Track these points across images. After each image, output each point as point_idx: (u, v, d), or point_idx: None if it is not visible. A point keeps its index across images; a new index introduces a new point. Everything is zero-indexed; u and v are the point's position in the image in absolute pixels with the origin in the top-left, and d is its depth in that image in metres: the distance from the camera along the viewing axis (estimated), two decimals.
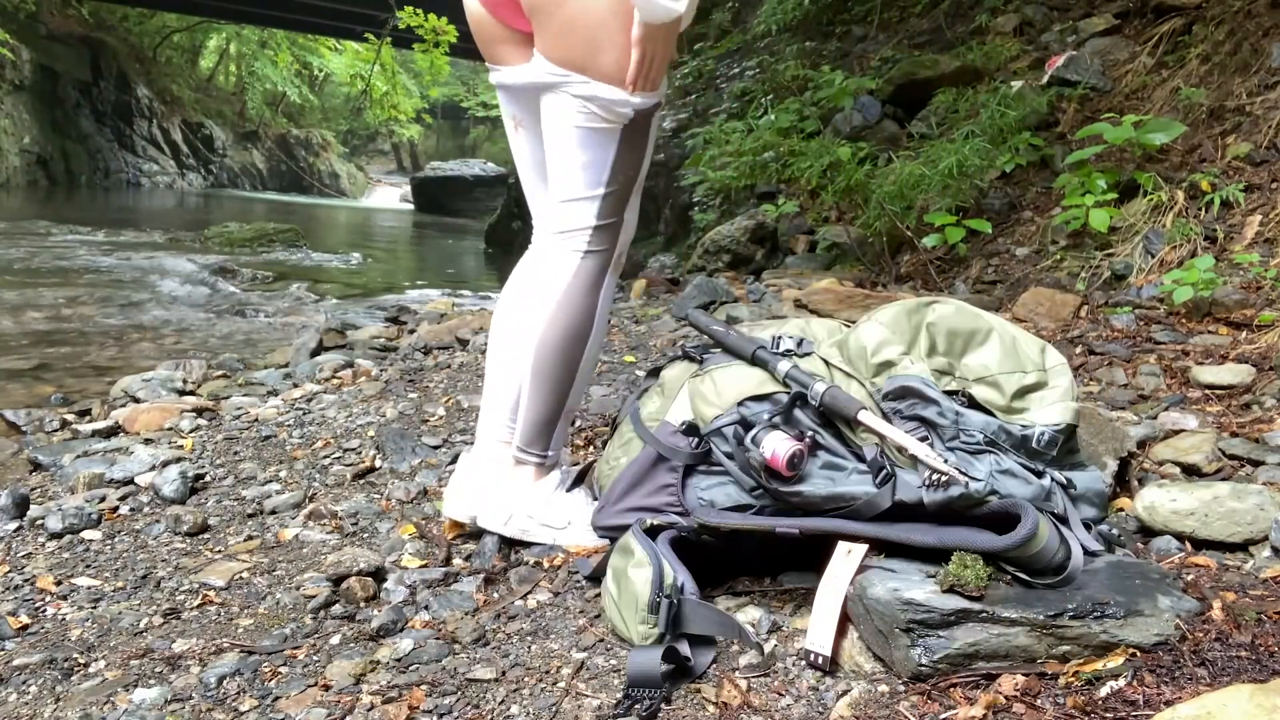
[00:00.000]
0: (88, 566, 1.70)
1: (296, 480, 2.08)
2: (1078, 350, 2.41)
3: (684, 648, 1.22)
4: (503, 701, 1.19)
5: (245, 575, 1.63)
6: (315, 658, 1.35)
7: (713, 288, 3.54)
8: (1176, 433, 1.81)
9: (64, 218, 10.66)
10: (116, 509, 1.95)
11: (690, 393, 1.48)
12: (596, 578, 1.47)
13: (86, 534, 1.82)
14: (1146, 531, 1.48)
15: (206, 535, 1.82)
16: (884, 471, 1.28)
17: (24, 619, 1.50)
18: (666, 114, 6.68)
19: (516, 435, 1.66)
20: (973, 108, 3.98)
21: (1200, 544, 1.43)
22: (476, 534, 1.69)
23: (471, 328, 3.44)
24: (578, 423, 2.23)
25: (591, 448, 2.08)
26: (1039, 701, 1.06)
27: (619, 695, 1.17)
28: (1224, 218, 2.85)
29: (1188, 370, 2.14)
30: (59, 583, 1.63)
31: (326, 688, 1.26)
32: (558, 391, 1.61)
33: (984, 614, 1.12)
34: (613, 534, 1.49)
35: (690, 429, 1.43)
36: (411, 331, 3.88)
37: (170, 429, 2.51)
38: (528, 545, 1.65)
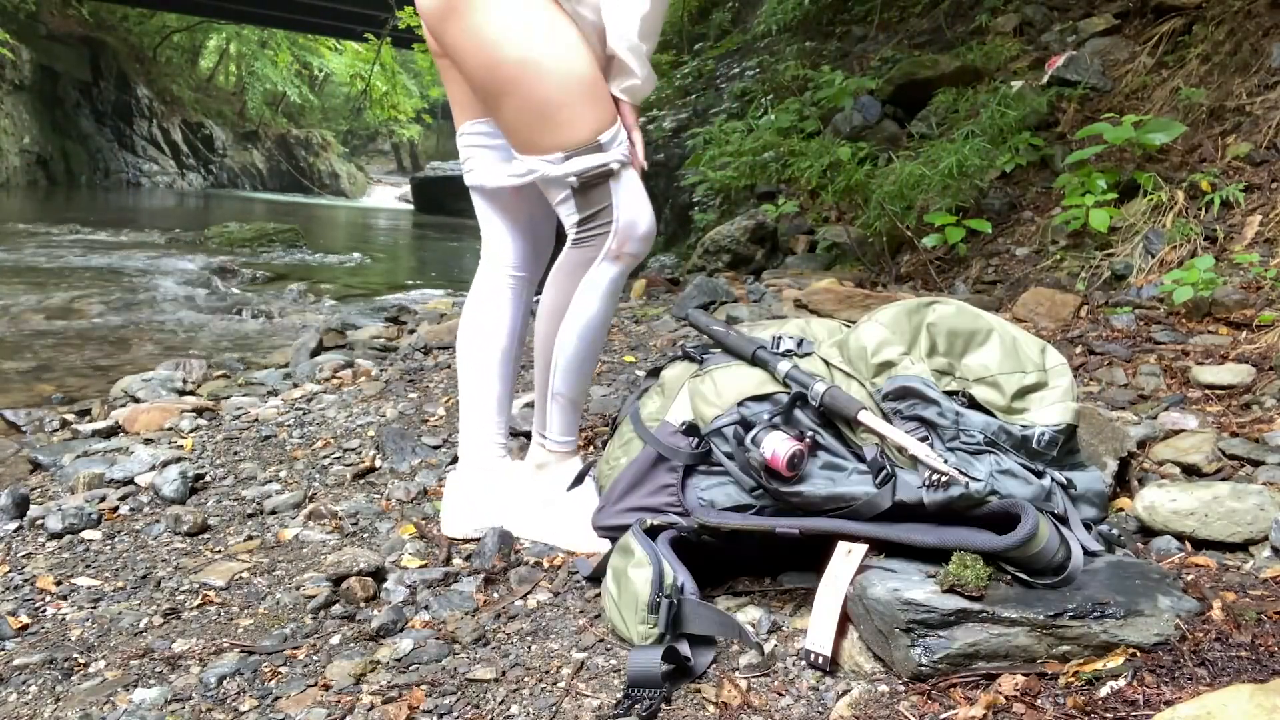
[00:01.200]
0: (88, 566, 1.70)
1: (296, 480, 2.08)
2: (1078, 350, 2.41)
3: (684, 648, 1.22)
4: (503, 701, 1.19)
5: (245, 575, 1.63)
6: (315, 658, 1.35)
7: (713, 288, 3.53)
8: (1176, 433, 1.80)
9: (64, 218, 10.66)
10: (116, 509, 1.95)
11: (690, 393, 1.48)
12: (596, 578, 1.47)
13: (86, 534, 1.82)
14: (1146, 531, 1.48)
15: (206, 535, 1.82)
16: (884, 472, 1.28)
17: (24, 619, 1.50)
18: (666, 114, 6.68)
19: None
20: (973, 108, 3.98)
21: (1200, 544, 1.43)
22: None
23: None
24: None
25: (591, 448, 2.08)
26: (1039, 701, 1.06)
27: (619, 695, 1.17)
28: (1224, 218, 2.85)
29: (1188, 370, 2.14)
30: (59, 583, 1.63)
31: (326, 688, 1.26)
32: (543, 367, 1.66)
33: (984, 614, 1.12)
34: (613, 534, 1.49)
35: (690, 429, 1.43)
36: (411, 331, 3.88)
37: (170, 429, 2.51)
38: (528, 545, 1.65)
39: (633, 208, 1.57)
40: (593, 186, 1.54)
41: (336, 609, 1.48)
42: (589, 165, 1.52)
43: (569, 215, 1.58)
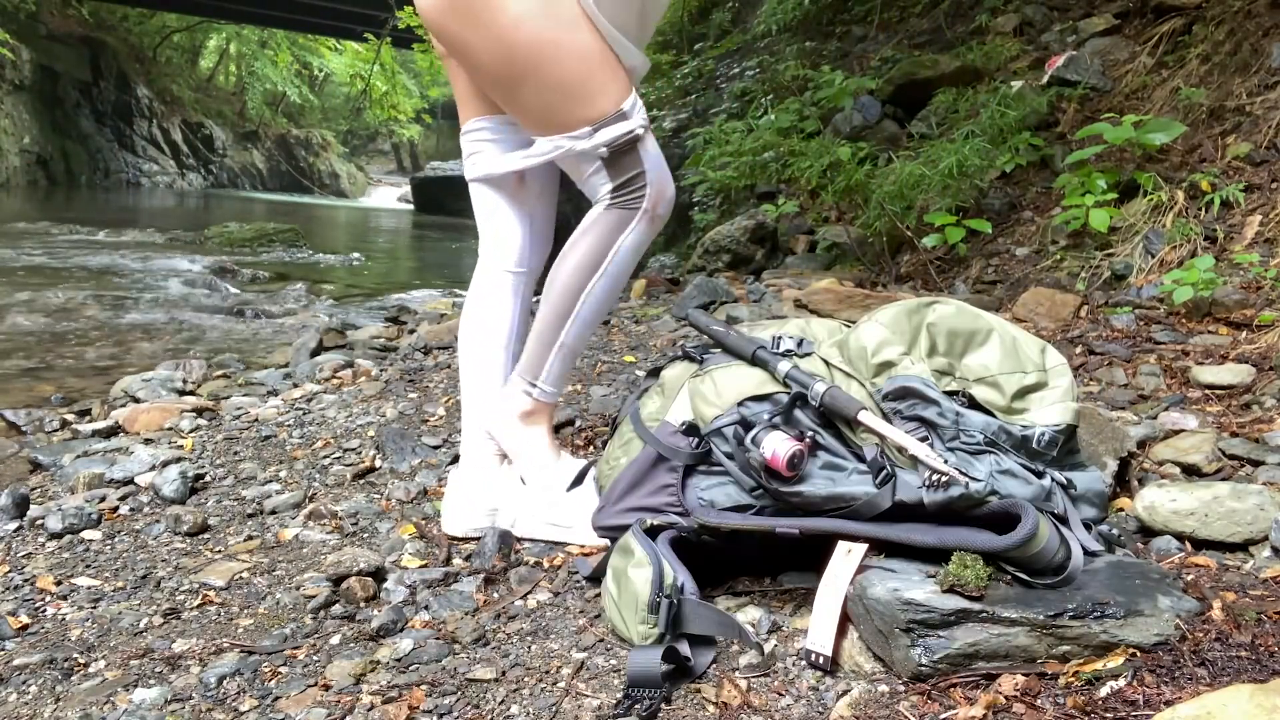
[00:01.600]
0: (88, 566, 1.70)
1: (296, 480, 2.08)
2: (1078, 350, 2.41)
3: (684, 648, 1.22)
4: (503, 701, 1.19)
5: (245, 575, 1.63)
6: (315, 658, 1.35)
7: (713, 288, 3.53)
8: (1176, 433, 1.80)
9: (64, 218, 10.67)
10: (116, 509, 1.95)
11: (690, 393, 1.48)
12: (596, 578, 1.47)
13: (86, 534, 1.82)
14: (1146, 531, 1.48)
15: (206, 535, 1.82)
16: (884, 472, 1.28)
17: (24, 619, 1.50)
18: (666, 114, 6.68)
19: (519, 364, 1.71)
20: (973, 108, 3.98)
21: (1200, 544, 1.43)
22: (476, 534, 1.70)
23: None
24: (577, 422, 2.23)
25: (591, 448, 2.08)
26: (1039, 701, 1.06)
27: (619, 695, 1.17)
28: (1224, 218, 2.85)
29: (1188, 370, 2.14)
30: (59, 583, 1.63)
31: (326, 688, 1.26)
32: (552, 320, 1.65)
33: (984, 614, 1.12)
34: (613, 534, 1.49)
35: (690, 429, 1.43)
36: (411, 331, 3.88)
37: (170, 429, 2.51)
38: (529, 545, 1.65)
39: (661, 170, 1.62)
40: (623, 154, 1.56)
41: (336, 609, 1.48)
42: (617, 134, 1.54)
43: (602, 185, 1.60)
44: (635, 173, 1.58)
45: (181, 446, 2.33)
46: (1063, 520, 1.29)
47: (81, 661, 1.37)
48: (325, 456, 2.20)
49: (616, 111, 1.54)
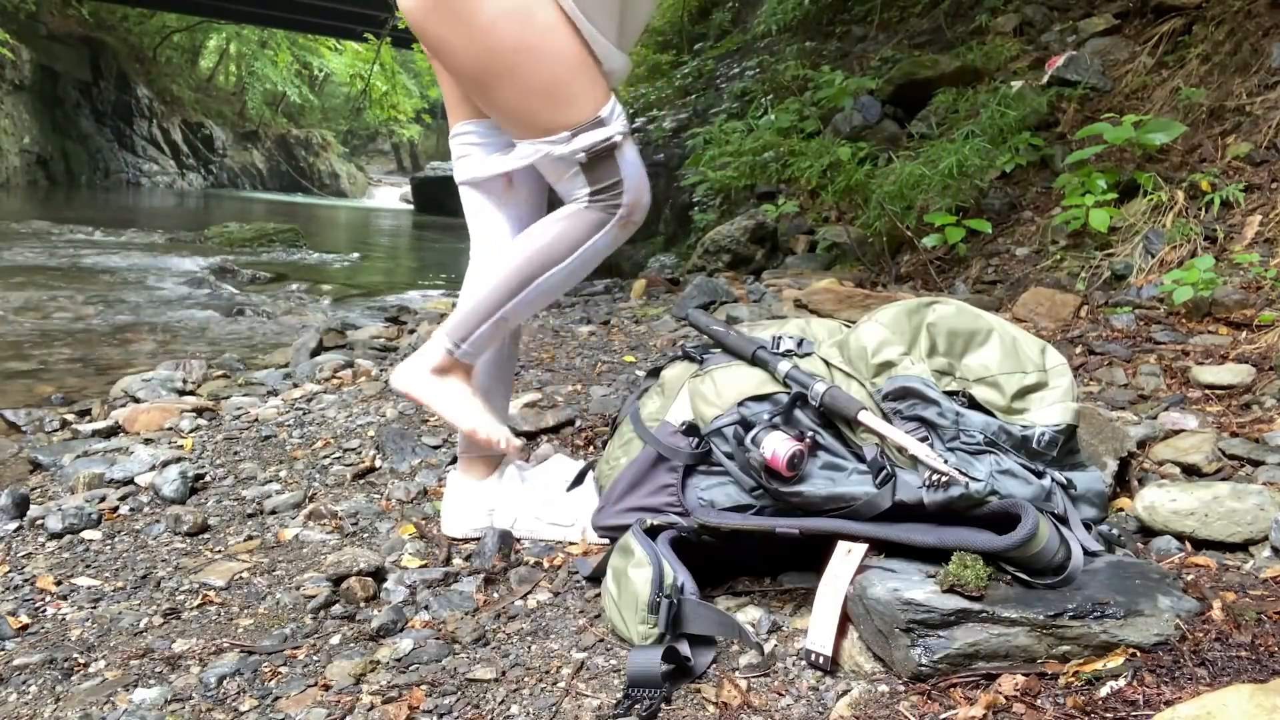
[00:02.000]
0: (88, 566, 1.70)
1: (296, 480, 2.08)
2: (1078, 350, 2.41)
3: (684, 648, 1.22)
4: (503, 701, 1.19)
5: (245, 575, 1.63)
6: (315, 658, 1.35)
7: (713, 288, 3.54)
8: (1176, 433, 1.81)
9: (64, 218, 10.67)
10: (116, 509, 1.95)
11: (690, 393, 1.49)
12: (596, 578, 1.47)
13: (86, 534, 1.82)
14: (1146, 531, 1.48)
15: (206, 535, 1.82)
16: (884, 472, 1.28)
17: (24, 619, 1.50)
18: (666, 114, 6.68)
19: (446, 322, 1.67)
20: (973, 108, 3.98)
21: (1200, 544, 1.43)
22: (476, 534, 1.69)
23: None
24: (577, 423, 2.23)
25: (591, 448, 2.08)
26: (1039, 701, 1.06)
27: (619, 695, 1.17)
28: (1224, 218, 2.85)
29: (1188, 370, 2.14)
30: (59, 583, 1.63)
31: (326, 688, 1.26)
32: (502, 290, 1.61)
33: (984, 614, 1.12)
34: (613, 534, 1.49)
35: (690, 429, 1.43)
36: (411, 331, 3.88)
37: (170, 429, 2.51)
38: (528, 545, 1.65)
39: (639, 178, 1.59)
40: (601, 160, 1.55)
41: (336, 609, 1.48)
42: (595, 140, 1.53)
43: (580, 189, 1.58)
44: (613, 181, 1.56)
45: (181, 446, 2.33)
46: (1063, 520, 1.29)
47: (81, 661, 1.37)
48: (325, 456, 2.20)
49: (594, 118, 1.52)
